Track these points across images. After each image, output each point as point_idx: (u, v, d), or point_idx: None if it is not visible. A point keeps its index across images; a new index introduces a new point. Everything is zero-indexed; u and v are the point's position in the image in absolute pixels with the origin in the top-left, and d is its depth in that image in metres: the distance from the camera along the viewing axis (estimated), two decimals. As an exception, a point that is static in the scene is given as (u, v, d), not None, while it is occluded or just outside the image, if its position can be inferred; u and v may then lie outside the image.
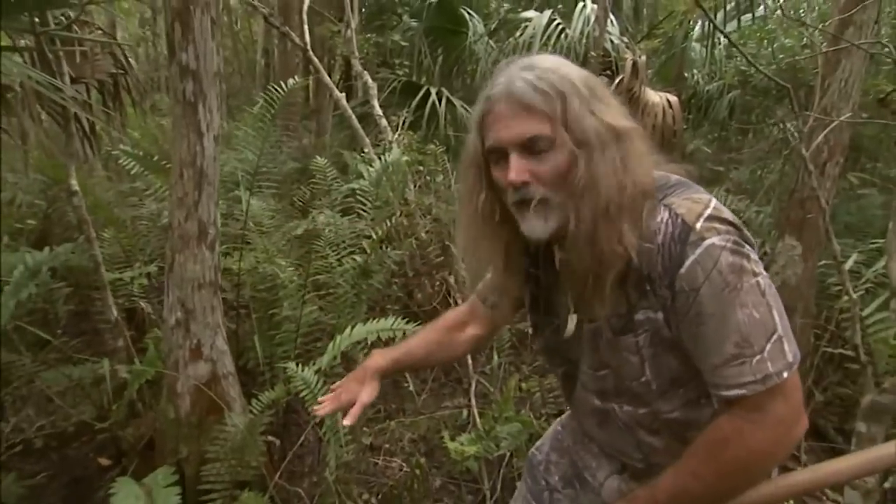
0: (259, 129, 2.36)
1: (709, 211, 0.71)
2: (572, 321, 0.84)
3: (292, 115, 5.33)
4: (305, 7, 3.94)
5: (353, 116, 3.49)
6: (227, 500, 1.69)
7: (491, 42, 5.12)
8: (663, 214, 0.72)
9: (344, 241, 2.48)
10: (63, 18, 2.24)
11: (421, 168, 3.20)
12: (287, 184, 3.68)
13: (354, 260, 2.32)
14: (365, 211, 2.63)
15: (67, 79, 2.14)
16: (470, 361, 2.34)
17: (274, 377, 2.12)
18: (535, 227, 0.76)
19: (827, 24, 2.73)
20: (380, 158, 2.71)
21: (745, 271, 0.69)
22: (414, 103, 4.52)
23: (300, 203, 3.21)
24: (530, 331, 1.02)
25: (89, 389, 2.07)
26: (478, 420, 2.05)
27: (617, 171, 0.72)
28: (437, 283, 2.86)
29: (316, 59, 3.74)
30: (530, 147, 0.73)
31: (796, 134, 2.32)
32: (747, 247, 0.71)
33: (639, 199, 0.72)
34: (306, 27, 3.83)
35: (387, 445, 2.24)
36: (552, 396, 2.19)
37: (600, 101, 0.74)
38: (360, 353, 2.18)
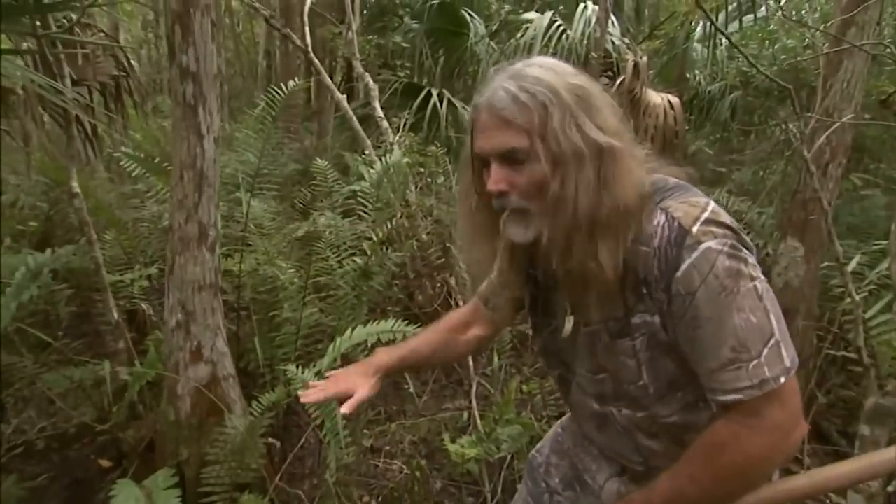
0: (260, 131, 2.36)
1: (706, 214, 0.70)
2: (569, 322, 0.84)
3: (294, 116, 5.34)
4: (307, 9, 3.95)
5: (355, 118, 3.50)
6: (227, 502, 1.69)
7: (492, 43, 5.12)
8: (660, 218, 0.72)
9: (345, 243, 2.48)
10: (65, 21, 2.24)
11: (422, 169, 3.20)
12: (288, 185, 3.69)
13: (355, 262, 2.32)
14: (366, 212, 2.63)
15: (69, 81, 2.15)
16: (471, 363, 2.33)
17: (274, 379, 2.12)
18: (515, 233, 0.77)
19: (829, 24, 2.72)
20: (381, 160, 2.71)
21: (742, 275, 0.68)
22: (415, 105, 4.52)
23: (301, 205, 3.21)
24: (530, 332, 1.02)
25: (90, 391, 2.07)
26: (479, 422, 2.04)
27: (592, 189, 0.70)
28: (438, 284, 2.86)
29: (317, 61, 3.75)
30: (509, 158, 0.73)
31: (798, 135, 2.31)
32: (745, 251, 0.70)
33: (621, 217, 0.71)
34: (307, 29, 3.84)
35: (387, 447, 2.23)
36: (553, 398, 2.18)
37: (589, 112, 0.72)
38: (360, 355, 2.17)
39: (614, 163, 0.71)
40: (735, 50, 4.13)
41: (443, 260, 2.84)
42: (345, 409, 0.91)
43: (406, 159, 2.86)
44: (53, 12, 2.06)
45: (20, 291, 1.93)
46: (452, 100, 4.67)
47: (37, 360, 2.11)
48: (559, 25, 4.56)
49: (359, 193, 2.69)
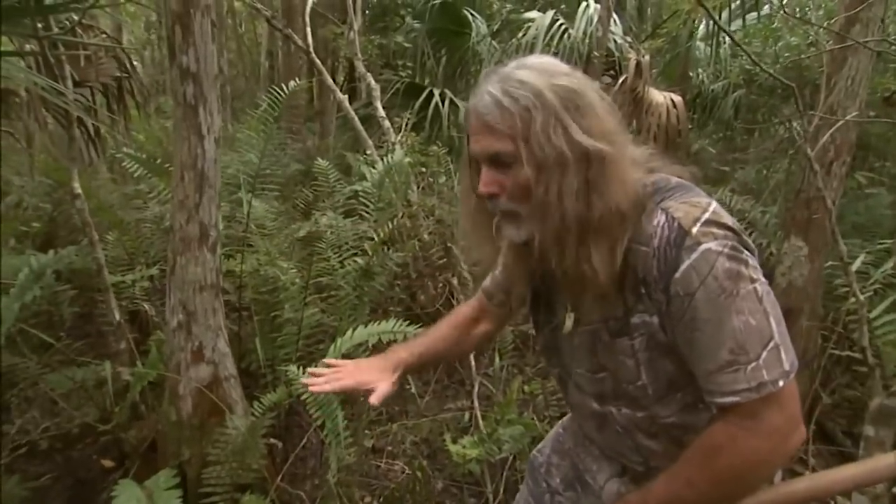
0: (262, 132, 2.36)
1: (707, 215, 0.70)
2: (570, 319, 0.84)
3: (296, 117, 5.36)
4: (308, 9, 3.95)
5: (357, 118, 3.50)
6: (229, 502, 1.69)
7: (494, 43, 5.12)
8: (660, 218, 0.71)
9: (346, 243, 2.48)
10: (66, 22, 2.25)
11: (424, 169, 3.20)
12: (290, 186, 3.70)
13: (357, 262, 2.31)
14: (368, 212, 2.63)
15: (70, 83, 2.15)
16: (473, 363, 2.33)
17: (276, 379, 2.12)
18: (509, 233, 0.78)
19: (832, 21, 2.70)
20: (383, 160, 2.71)
21: (741, 277, 0.68)
22: (417, 105, 4.53)
23: (303, 205, 3.21)
24: (532, 330, 1.02)
25: (93, 392, 2.08)
26: (480, 422, 2.04)
27: (581, 193, 0.70)
28: (440, 284, 2.85)
29: (319, 62, 3.75)
30: (496, 161, 0.74)
31: (802, 133, 2.30)
32: (746, 252, 0.69)
33: (614, 221, 0.70)
34: (309, 29, 3.85)
35: (389, 448, 2.23)
36: (555, 399, 2.18)
37: (576, 115, 0.70)
38: (362, 356, 2.17)
39: (603, 167, 0.70)
40: (738, 48, 4.10)
41: (445, 260, 2.84)
42: (373, 399, 0.90)
43: (408, 159, 2.85)
44: (55, 14, 2.06)
45: (23, 292, 1.94)
46: (454, 99, 4.66)
47: (40, 360, 2.12)
48: (561, 24, 4.55)
49: (360, 193, 2.69)
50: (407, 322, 1.88)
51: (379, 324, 1.86)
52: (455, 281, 2.75)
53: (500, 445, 1.75)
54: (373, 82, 3.68)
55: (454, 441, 1.79)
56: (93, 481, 2.01)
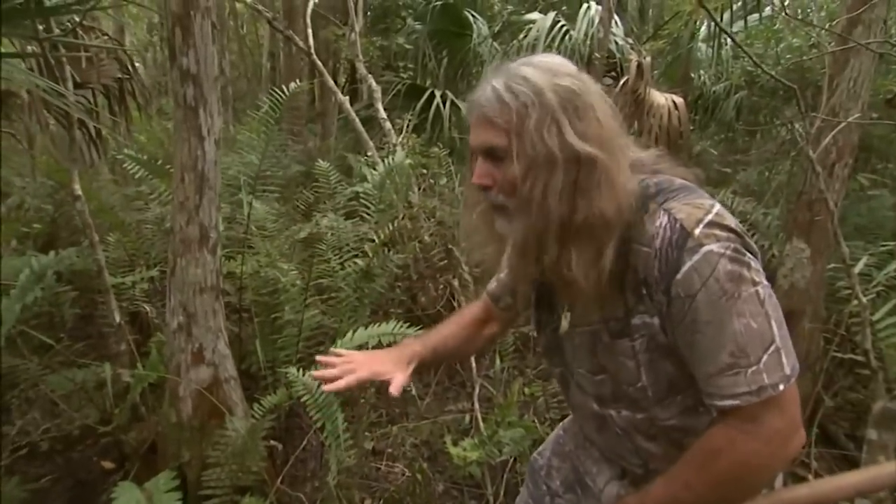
0: (263, 133, 2.36)
1: (709, 217, 0.69)
2: (566, 319, 0.84)
3: (297, 118, 5.36)
4: (310, 11, 3.96)
5: (358, 119, 3.50)
6: (228, 505, 1.68)
7: (495, 44, 5.12)
8: (662, 219, 0.71)
9: (347, 245, 2.48)
10: (68, 24, 2.26)
11: (425, 171, 3.20)
12: (291, 187, 3.70)
13: (357, 263, 2.31)
14: (368, 214, 2.63)
15: (71, 84, 2.15)
16: (474, 365, 2.32)
17: (276, 381, 2.12)
18: (502, 227, 0.79)
19: (834, 23, 2.69)
20: (384, 161, 2.70)
21: (743, 280, 0.67)
22: (418, 106, 4.53)
23: (304, 206, 3.21)
24: (533, 332, 1.01)
25: (93, 393, 2.08)
26: (481, 425, 2.03)
27: (566, 195, 0.70)
28: (441, 286, 2.85)
29: (320, 63, 3.75)
30: (491, 154, 0.75)
31: (804, 135, 2.29)
32: (748, 255, 0.69)
33: (598, 227, 0.70)
34: (310, 31, 3.85)
35: (389, 450, 2.22)
36: (556, 401, 2.17)
37: (573, 116, 0.70)
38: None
39: (592, 172, 0.70)
40: (740, 49, 4.10)
41: (446, 262, 2.83)
42: (393, 390, 0.88)
43: (409, 161, 2.85)
44: (56, 15, 2.07)
45: (24, 293, 1.94)
46: (455, 101, 4.66)
47: (40, 361, 2.12)
48: (562, 26, 4.54)
49: (361, 195, 2.69)
50: (407, 324, 1.88)
51: (379, 325, 1.86)
52: (456, 283, 2.74)
53: (500, 448, 1.74)
54: (374, 84, 3.68)
55: (455, 443, 1.78)
56: (93, 483, 2.01)
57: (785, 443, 0.70)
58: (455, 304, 2.70)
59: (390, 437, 2.26)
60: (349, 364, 0.91)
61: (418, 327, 1.81)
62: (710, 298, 0.67)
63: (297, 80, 2.67)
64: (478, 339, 1.08)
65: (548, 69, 0.73)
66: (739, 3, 4.61)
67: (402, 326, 1.84)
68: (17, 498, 1.82)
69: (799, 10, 4.81)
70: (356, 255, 2.40)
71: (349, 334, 1.81)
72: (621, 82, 3.39)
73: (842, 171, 2.29)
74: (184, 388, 1.80)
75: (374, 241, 2.35)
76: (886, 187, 3.58)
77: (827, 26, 3.12)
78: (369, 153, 3.24)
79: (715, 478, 0.72)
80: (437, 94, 4.68)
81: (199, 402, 1.80)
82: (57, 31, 2.13)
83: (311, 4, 3.99)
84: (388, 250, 2.47)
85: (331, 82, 3.72)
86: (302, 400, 1.66)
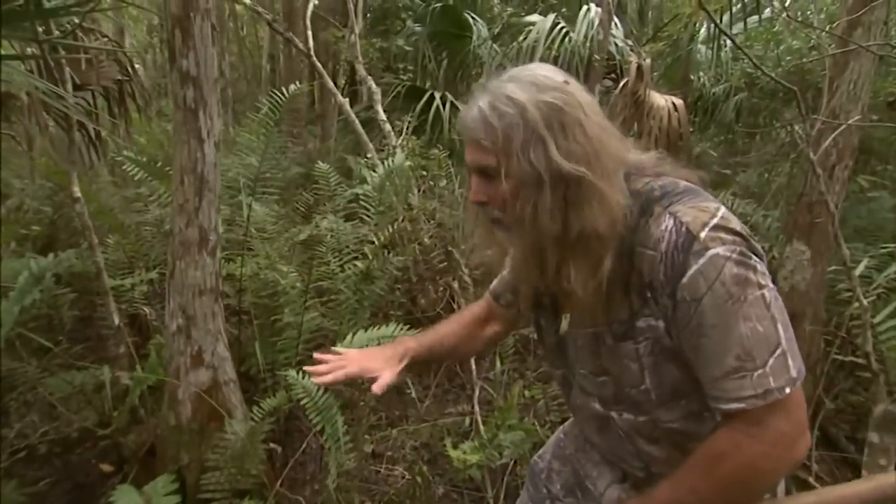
0: (262, 135, 2.36)
1: (715, 220, 0.69)
2: (565, 320, 0.84)
3: (297, 120, 5.36)
4: (309, 13, 3.96)
5: (357, 121, 3.50)
6: (228, 508, 1.68)
7: (495, 46, 5.12)
8: (668, 222, 0.70)
9: (347, 247, 2.48)
10: (67, 26, 2.25)
11: (425, 173, 3.20)
12: (291, 189, 3.69)
13: (357, 265, 2.31)
14: (368, 216, 2.63)
15: (71, 86, 2.15)
16: (473, 367, 2.32)
17: (276, 384, 2.11)
18: (502, 238, 0.80)
19: (835, 25, 2.70)
20: (383, 163, 2.70)
21: (749, 283, 0.67)
22: (418, 108, 4.53)
23: (303, 208, 3.21)
24: (534, 334, 1.01)
25: (92, 396, 2.07)
26: (481, 427, 2.03)
27: (558, 211, 0.71)
28: (441, 288, 2.85)
29: (319, 65, 3.76)
30: (483, 172, 0.76)
31: (804, 137, 2.29)
32: (754, 258, 0.69)
33: (591, 242, 0.72)
34: (310, 33, 3.86)
35: (389, 453, 2.22)
36: (556, 404, 2.16)
37: (557, 134, 0.70)
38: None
39: (580, 189, 0.71)
40: (739, 51, 4.10)
41: (445, 263, 2.83)
42: (375, 388, 0.89)
43: (409, 162, 2.85)
44: (55, 17, 2.07)
45: (23, 296, 1.94)
46: (455, 103, 4.66)
47: (39, 364, 2.11)
48: (562, 28, 4.55)
49: (361, 197, 2.69)
50: (407, 326, 1.87)
51: (379, 328, 1.85)
52: (456, 285, 2.74)
53: (500, 451, 1.74)
54: (374, 85, 3.69)
55: (455, 446, 1.78)
56: (91, 486, 2.00)
57: (791, 446, 0.69)
58: (455, 306, 2.70)
59: (390, 440, 2.25)
60: (341, 362, 0.94)
61: (418, 330, 1.80)
62: (715, 302, 0.67)
63: (297, 82, 2.67)
64: (478, 338, 1.07)
65: (532, 84, 0.72)
66: (739, 5, 4.61)
67: (401, 329, 1.84)
68: (15, 501, 1.81)
69: (798, 13, 4.81)
70: (356, 258, 2.40)
71: (349, 337, 1.81)
72: (621, 84, 3.39)
73: (842, 173, 2.29)
74: (183, 390, 1.80)
75: (373, 243, 2.35)
76: (886, 189, 3.58)
77: (827, 28, 3.12)
78: (369, 155, 3.24)
79: (720, 482, 0.71)
80: (437, 95, 4.68)
81: (198, 404, 1.80)
82: (56, 32, 2.13)
83: (310, 6, 3.99)
84: (388, 252, 2.47)
85: (330, 84, 3.72)
86: (301, 403, 1.66)
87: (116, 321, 2.16)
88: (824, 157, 2.21)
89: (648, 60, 3.43)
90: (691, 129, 4.41)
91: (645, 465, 0.86)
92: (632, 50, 4.37)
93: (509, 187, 0.73)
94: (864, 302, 1.77)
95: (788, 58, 4.12)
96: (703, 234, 0.68)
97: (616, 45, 4.47)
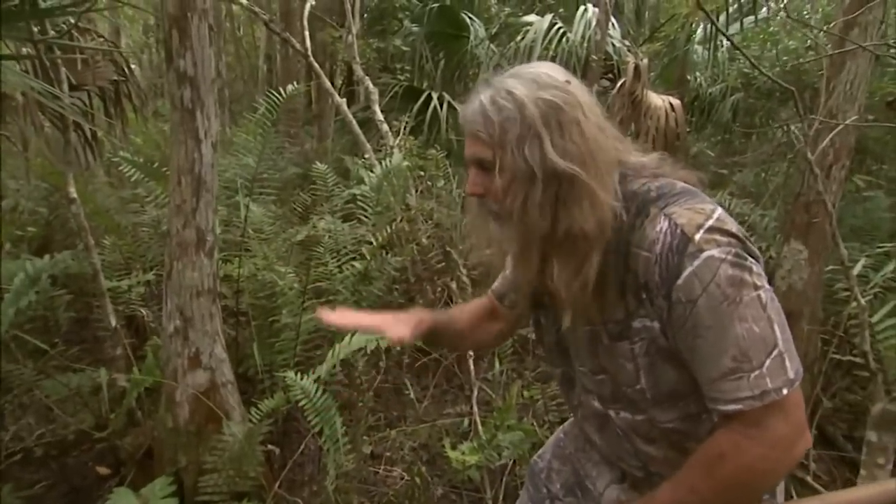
0: (260, 135, 2.36)
1: (710, 222, 0.69)
2: (567, 316, 0.84)
3: (294, 120, 5.36)
4: (306, 13, 3.95)
5: (355, 122, 3.49)
6: (225, 510, 1.67)
7: (492, 46, 5.12)
8: (663, 224, 0.70)
9: (344, 247, 2.47)
10: (63, 26, 2.24)
11: (422, 173, 3.19)
12: (288, 189, 3.69)
13: (355, 266, 2.30)
14: (366, 216, 2.63)
15: (66, 86, 2.14)
16: (472, 368, 2.32)
17: (274, 385, 2.11)
18: (496, 232, 0.81)
19: (831, 25, 2.71)
20: (381, 163, 2.70)
21: (745, 284, 0.67)
22: (415, 108, 4.52)
23: (301, 209, 3.20)
24: (532, 334, 1.01)
25: (88, 398, 2.06)
26: (480, 428, 2.03)
27: (543, 209, 0.72)
28: (439, 289, 2.84)
29: (316, 65, 3.75)
30: (481, 165, 0.77)
31: (801, 137, 2.30)
32: (750, 259, 0.69)
33: (579, 241, 0.72)
34: (307, 33, 3.85)
35: (387, 454, 2.21)
36: (555, 404, 2.16)
37: (554, 132, 0.71)
38: (360, 361, 2.16)
39: (572, 188, 0.71)
40: (736, 51, 4.12)
41: (443, 264, 2.82)
42: (394, 339, 0.89)
43: (406, 163, 2.85)
44: (51, 17, 2.05)
45: (19, 297, 1.93)
46: (453, 103, 4.66)
47: (35, 366, 2.10)
48: (559, 28, 4.55)
49: (359, 197, 2.68)
50: (406, 327, 1.86)
51: (378, 329, 1.84)
52: (454, 285, 2.74)
53: (499, 451, 1.74)
54: (371, 86, 3.68)
55: (453, 447, 1.78)
56: (88, 489, 1.99)
57: (790, 447, 0.69)
58: (453, 305, 2.69)
59: (389, 441, 2.25)
60: (356, 315, 0.97)
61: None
62: (711, 303, 0.67)
63: (294, 83, 2.67)
64: (483, 329, 1.07)
65: (533, 81, 0.73)
66: (736, 5, 4.62)
67: (400, 329, 1.83)
68: (11, 504, 1.80)
69: (795, 13, 4.82)
70: (354, 258, 2.40)
71: (347, 338, 1.80)
72: (618, 84, 3.40)
73: (839, 172, 2.30)
74: (180, 392, 1.79)
75: (371, 243, 2.35)
76: (882, 188, 3.59)
77: (824, 28, 3.13)
78: (366, 155, 3.23)
79: (720, 483, 0.71)
80: (434, 95, 4.68)
81: (195, 406, 1.79)
82: (52, 33, 2.12)
83: (307, 6, 3.98)
84: (386, 253, 2.46)
85: (328, 84, 3.71)
86: (300, 404, 1.65)
87: (113, 323, 2.15)
88: (821, 156, 2.21)
89: (645, 60, 3.44)
90: (688, 129, 4.42)
91: (643, 465, 0.86)
92: (629, 50, 4.38)
93: (502, 181, 0.74)
94: (862, 301, 1.78)
95: (785, 58, 4.13)
96: (697, 237, 0.68)
97: (613, 45, 4.47)
